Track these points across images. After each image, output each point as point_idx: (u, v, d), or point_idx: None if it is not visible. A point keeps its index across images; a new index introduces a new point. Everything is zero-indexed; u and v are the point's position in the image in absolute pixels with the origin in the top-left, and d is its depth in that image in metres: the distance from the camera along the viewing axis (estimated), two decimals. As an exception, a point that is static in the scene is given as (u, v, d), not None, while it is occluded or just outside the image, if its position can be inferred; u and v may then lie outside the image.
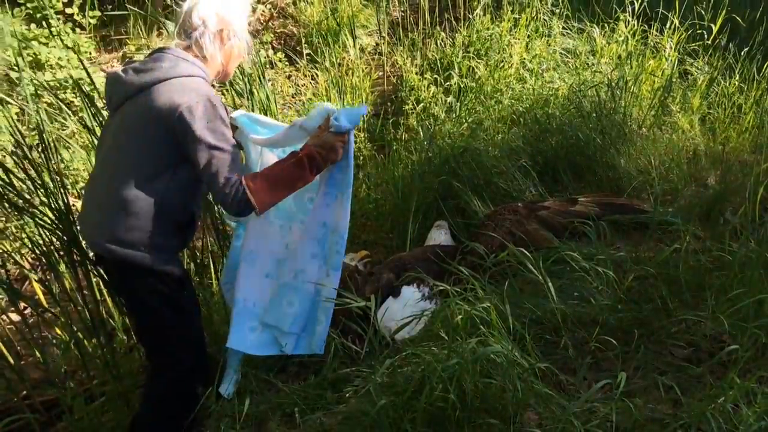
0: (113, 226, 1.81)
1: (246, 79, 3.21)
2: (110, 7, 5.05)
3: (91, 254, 2.25)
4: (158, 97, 1.78)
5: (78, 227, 2.26)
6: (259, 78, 3.36)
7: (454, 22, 4.23)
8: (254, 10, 5.98)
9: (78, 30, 4.91)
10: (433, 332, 1.74)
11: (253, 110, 3.32)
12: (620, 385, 1.46)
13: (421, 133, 3.20)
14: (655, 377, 1.67)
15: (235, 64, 2.00)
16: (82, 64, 2.76)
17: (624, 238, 2.24)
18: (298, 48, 5.21)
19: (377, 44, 5.04)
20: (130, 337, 2.64)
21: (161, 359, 2.00)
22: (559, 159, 2.74)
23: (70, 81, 4.24)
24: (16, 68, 4.37)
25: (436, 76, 3.73)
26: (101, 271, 2.22)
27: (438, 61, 3.88)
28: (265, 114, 3.36)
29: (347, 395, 1.74)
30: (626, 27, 3.39)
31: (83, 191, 2.12)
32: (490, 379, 1.56)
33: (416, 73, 3.85)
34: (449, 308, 1.68)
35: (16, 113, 4.02)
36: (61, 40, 4.54)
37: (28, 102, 2.93)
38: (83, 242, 2.31)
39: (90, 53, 4.94)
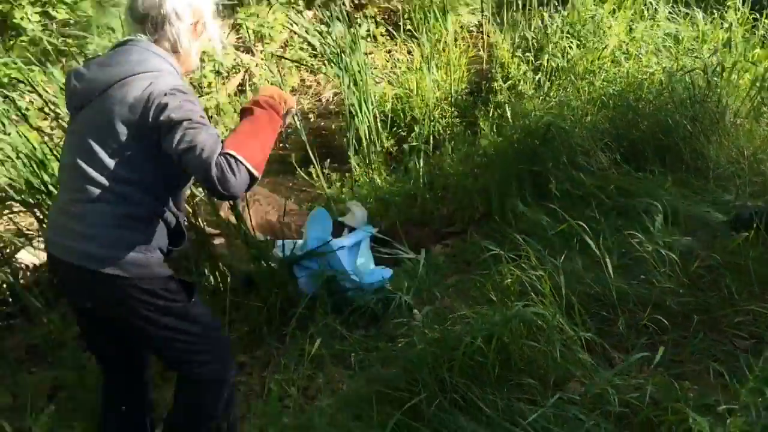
0: None
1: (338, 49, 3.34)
2: (226, -25, 5.33)
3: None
4: (126, 92, 1.58)
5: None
6: (351, 48, 3.47)
7: (557, 3, 4.16)
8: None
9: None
10: (484, 295, 1.79)
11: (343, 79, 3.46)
12: (658, 359, 1.45)
13: (507, 111, 3.21)
14: (708, 363, 1.65)
15: (200, 53, 1.81)
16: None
17: (700, 226, 2.18)
18: (399, 23, 5.29)
19: (479, 23, 5.03)
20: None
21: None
22: (646, 142, 2.68)
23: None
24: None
25: (528, 54, 3.72)
26: None
27: (534, 41, 3.85)
28: (355, 84, 3.48)
29: (399, 345, 1.83)
30: (736, 14, 3.22)
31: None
32: (534, 342, 1.60)
33: (508, 51, 3.83)
34: (500, 272, 1.72)
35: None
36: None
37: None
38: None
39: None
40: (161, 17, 1.65)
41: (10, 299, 2.69)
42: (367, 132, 3.53)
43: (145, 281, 1.59)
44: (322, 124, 4.63)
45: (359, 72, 3.55)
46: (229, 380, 1.74)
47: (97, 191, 1.59)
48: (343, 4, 6.01)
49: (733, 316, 1.75)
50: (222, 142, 1.52)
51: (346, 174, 3.57)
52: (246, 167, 1.48)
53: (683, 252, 1.87)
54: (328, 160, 3.58)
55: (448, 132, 3.73)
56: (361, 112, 3.46)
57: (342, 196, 3.38)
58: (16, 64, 3.93)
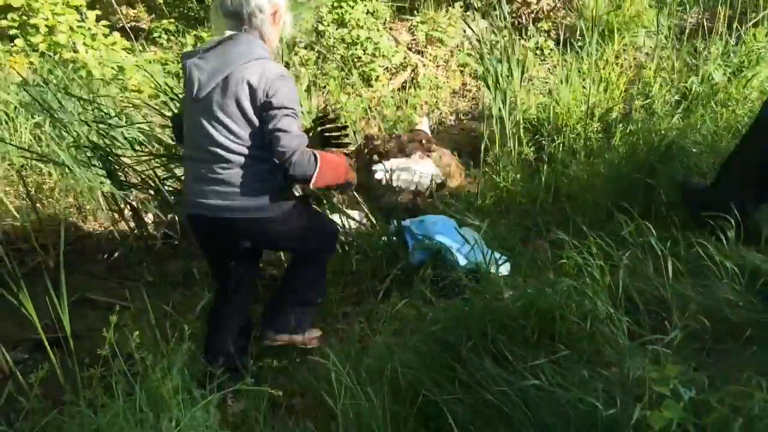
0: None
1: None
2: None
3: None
4: (245, 76, 1.98)
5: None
6: (507, 55, 3.71)
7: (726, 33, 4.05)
8: (538, 1, 6.27)
9: (381, -1, 5.79)
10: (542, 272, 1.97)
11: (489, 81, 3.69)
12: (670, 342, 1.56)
13: (633, 127, 3.27)
14: (751, 376, 1.69)
15: (278, 38, 2.19)
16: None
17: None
18: (572, 40, 5.39)
19: (655, 46, 5.01)
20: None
21: None
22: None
23: (363, 38, 5.11)
24: (322, 24, 5.39)
25: (674, 76, 3.70)
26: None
27: (686, 66, 3.82)
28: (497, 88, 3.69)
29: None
30: None
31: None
32: (576, 318, 1.77)
33: (652, 70, 3.84)
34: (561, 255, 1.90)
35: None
36: (367, 7, 5.45)
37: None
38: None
39: (385, 19, 5.76)
40: (249, 12, 2.04)
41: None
42: (504, 135, 3.74)
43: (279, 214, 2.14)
44: (473, 126, 4.92)
45: (507, 77, 3.77)
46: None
47: (237, 157, 2.04)
48: (520, 16, 6.28)
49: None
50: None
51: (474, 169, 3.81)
52: (315, 171, 2.00)
53: (753, 269, 1.91)
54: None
55: (587, 144, 3.83)
56: (501, 115, 3.66)
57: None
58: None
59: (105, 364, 2.04)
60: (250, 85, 1.97)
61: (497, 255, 2.79)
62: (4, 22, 4.50)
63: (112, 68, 4.33)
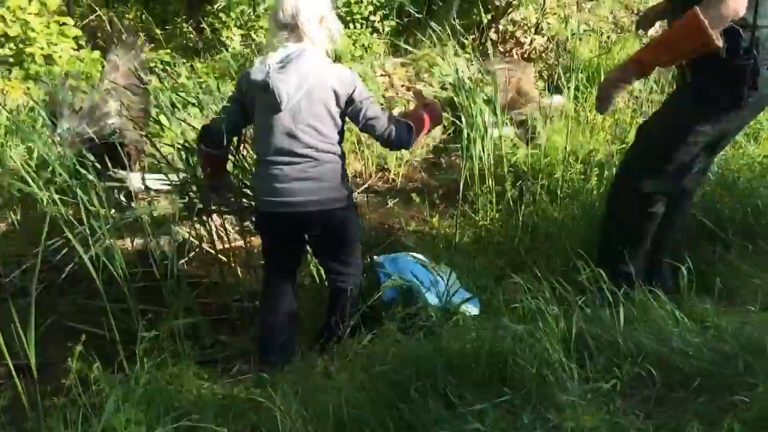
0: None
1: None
2: (407, 19, 5.94)
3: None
4: (323, 82, 2.35)
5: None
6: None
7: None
8: (531, 42, 6.40)
9: (375, 35, 5.89)
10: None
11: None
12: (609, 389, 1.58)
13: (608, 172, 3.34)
14: (696, 426, 1.70)
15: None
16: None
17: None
18: (560, 81, 5.48)
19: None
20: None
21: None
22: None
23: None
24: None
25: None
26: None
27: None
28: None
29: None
30: None
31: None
32: (527, 363, 1.79)
33: (629, 114, 3.92)
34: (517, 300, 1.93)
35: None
36: (361, 42, 5.57)
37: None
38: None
39: (380, 55, 5.88)
40: (300, 22, 2.33)
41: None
42: (484, 174, 3.78)
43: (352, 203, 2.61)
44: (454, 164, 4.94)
45: (480, 113, 3.82)
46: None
47: (326, 155, 2.41)
48: (512, 56, 6.39)
49: (736, 386, 1.78)
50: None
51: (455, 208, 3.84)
52: (414, 138, 2.50)
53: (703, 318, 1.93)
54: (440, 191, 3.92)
55: (567, 186, 3.88)
56: (475, 153, 3.70)
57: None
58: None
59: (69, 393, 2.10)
60: (334, 91, 2.36)
61: (467, 294, 2.82)
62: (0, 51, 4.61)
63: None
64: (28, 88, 4.63)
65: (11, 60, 4.67)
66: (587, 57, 5.67)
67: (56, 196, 2.93)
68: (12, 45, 4.55)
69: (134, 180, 3.44)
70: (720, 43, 2.10)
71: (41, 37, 4.49)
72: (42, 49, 4.51)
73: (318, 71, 2.34)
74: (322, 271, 2.95)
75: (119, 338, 2.57)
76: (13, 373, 2.26)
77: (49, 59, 4.58)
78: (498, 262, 3.20)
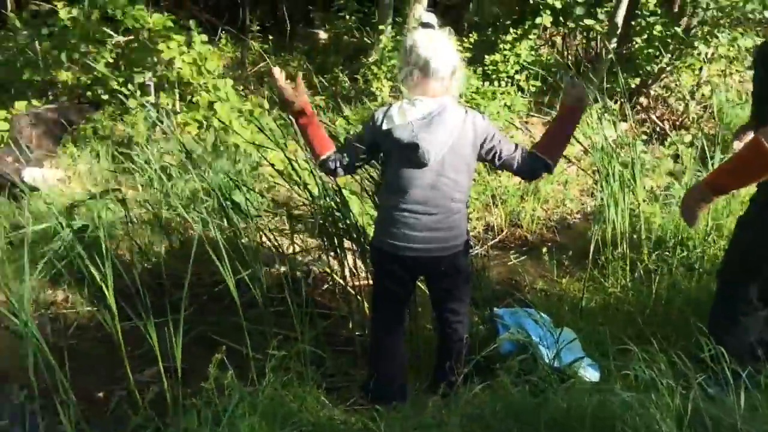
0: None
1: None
2: (552, 80, 6.01)
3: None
4: (464, 134, 2.42)
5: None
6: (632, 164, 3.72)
7: None
8: (684, 109, 6.18)
9: (519, 93, 6.01)
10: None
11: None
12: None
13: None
14: None
15: None
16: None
17: None
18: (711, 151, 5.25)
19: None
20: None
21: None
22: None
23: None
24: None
25: None
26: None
27: None
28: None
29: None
30: None
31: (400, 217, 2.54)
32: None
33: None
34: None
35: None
36: (504, 100, 5.70)
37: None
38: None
39: (524, 113, 5.98)
40: (441, 77, 2.37)
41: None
42: (618, 240, 3.71)
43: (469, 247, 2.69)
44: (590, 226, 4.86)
45: (627, 181, 3.77)
46: None
47: (459, 205, 2.51)
48: (664, 122, 6.21)
49: None
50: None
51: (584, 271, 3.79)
52: (549, 165, 2.50)
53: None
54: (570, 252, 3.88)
55: (707, 260, 3.71)
56: (608, 217, 3.65)
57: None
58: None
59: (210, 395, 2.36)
60: (473, 142, 2.43)
61: (588, 359, 2.78)
62: (173, 98, 5.25)
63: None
64: (198, 127, 5.21)
65: (185, 103, 5.29)
66: (737, 123, 5.38)
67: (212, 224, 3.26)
68: (188, 96, 5.18)
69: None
70: None
71: (212, 84, 5.06)
72: (209, 92, 5.07)
73: (460, 125, 2.40)
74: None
75: (252, 355, 2.81)
76: (162, 373, 2.59)
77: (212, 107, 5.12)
78: (625, 332, 3.10)
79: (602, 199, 3.69)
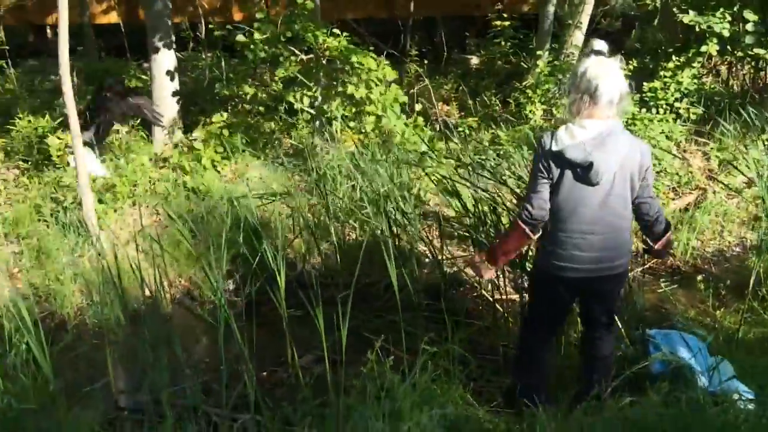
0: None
1: None
2: (713, 109, 5.81)
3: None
4: (633, 155, 2.49)
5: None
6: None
7: None
8: None
9: (678, 120, 5.85)
10: None
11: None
12: None
13: None
14: None
15: None
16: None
17: None
18: None
19: None
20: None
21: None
22: None
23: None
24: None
25: None
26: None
27: None
28: None
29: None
30: None
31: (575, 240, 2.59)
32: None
33: None
34: None
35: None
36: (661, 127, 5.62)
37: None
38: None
39: (681, 141, 5.81)
40: (611, 101, 2.42)
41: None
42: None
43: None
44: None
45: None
46: None
47: (626, 223, 2.59)
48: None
49: None
50: None
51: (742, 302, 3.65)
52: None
53: None
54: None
55: None
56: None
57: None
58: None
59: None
60: (640, 164, 2.51)
61: (743, 386, 2.72)
62: (342, 110, 5.69)
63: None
64: (360, 139, 5.60)
65: (349, 117, 5.72)
66: None
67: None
68: (353, 108, 5.60)
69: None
70: None
71: (379, 100, 5.45)
72: (376, 109, 5.46)
73: (629, 146, 2.47)
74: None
75: (405, 348, 3.04)
76: (326, 357, 2.88)
77: (380, 119, 5.51)
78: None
79: (766, 231, 3.55)
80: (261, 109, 6.18)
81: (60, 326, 4.08)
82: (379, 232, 4.24)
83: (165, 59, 5.70)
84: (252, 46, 5.38)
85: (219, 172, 5.38)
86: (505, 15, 7.88)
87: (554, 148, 2.46)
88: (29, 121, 5.49)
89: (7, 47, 7.16)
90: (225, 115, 5.85)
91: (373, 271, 4.16)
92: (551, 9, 7.02)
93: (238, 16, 7.92)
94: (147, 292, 4.25)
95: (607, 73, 2.42)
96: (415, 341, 3.13)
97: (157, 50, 5.63)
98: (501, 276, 3.82)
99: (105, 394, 3.26)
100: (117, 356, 3.47)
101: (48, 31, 8.46)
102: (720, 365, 2.83)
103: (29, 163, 5.36)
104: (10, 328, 3.21)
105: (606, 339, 2.81)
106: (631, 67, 6.58)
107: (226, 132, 5.65)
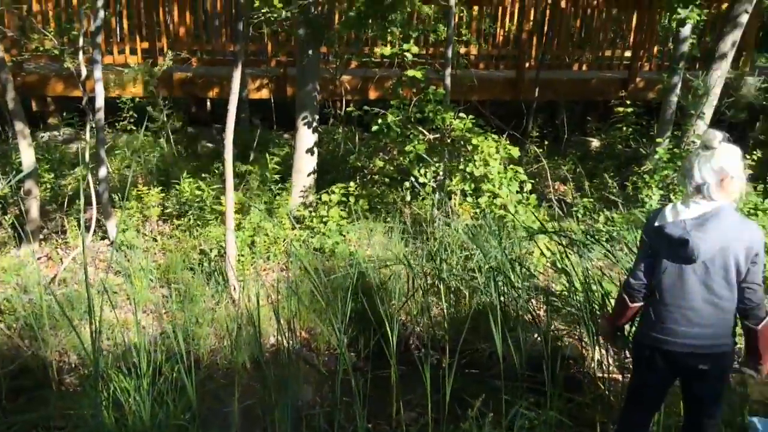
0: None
1: None
2: None
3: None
4: (739, 243, 2.54)
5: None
6: None
7: None
8: None
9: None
10: None
11: None
12: None
13: None
14: None
15: None
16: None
17: None
18: None
19: None
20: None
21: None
22: None
23: None
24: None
25: None
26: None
27: None
28: None
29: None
30: None
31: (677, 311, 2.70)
32: None
33: None
34: None
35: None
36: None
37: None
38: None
39: None
40: (709, 182, 2.55)
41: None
42: None
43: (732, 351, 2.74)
44: None
45: None
46: None
47: (726, 304, 2.62)
48: None
49: None
50: None
51: None
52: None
53: None
54: None
55: None
56: None
57: None
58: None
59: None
60: (746, 248, 2.53)
61: None
62: (462, 185, 6.08)
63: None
64: (475, 212, 5.94)
65: (469, 192, 6.09)
66: None
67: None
68: (472, 183, 5.98)
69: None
70: None
71: (496, 179, 5.80)
72: (493, 187, 5.81)
73: (737, 228, 2.53)
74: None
75: (504, 408, 3.26)
76: (429, 417, 3.18)
77: (495, 196, 5.85)
78: None
79: None
80: (387, 180, 6.72)
81: (194, 364, 4.63)
82: (487, 300, 4.51)
83: (307, 136, 6.39)
84: (385, 130, 5.94)
85: (344, 235, 5.89)
86: (628, 102, 8.06)
87: (656, 223, 2.66)
88: (189, 182, 6.32)
89: (178, 117, 8.33)
90: (353, 184, 6.43)
91: (478, 338, 4.41)
92: (674, 99, 7.12)
93: (373, 95, 8.67)
94: (272, 340, 4.77)
95: (705, 159, 2.56)
96: (517, 409, 3.34)
97: (302, 126, 6.35)
98: (606, 354, 3.93)
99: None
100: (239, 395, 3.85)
101: (208, 103, 9.65)
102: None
103: (184, 219, 6.14)
104: (161, 359, 3.70)
105: (709, 425, 2.82)
106: (755, 157, 6.51)
107: (353, 199, 6.22)
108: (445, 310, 4.71)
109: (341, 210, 6.06)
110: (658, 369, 2.79)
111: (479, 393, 3.76)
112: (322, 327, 4.70)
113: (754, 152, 6.65)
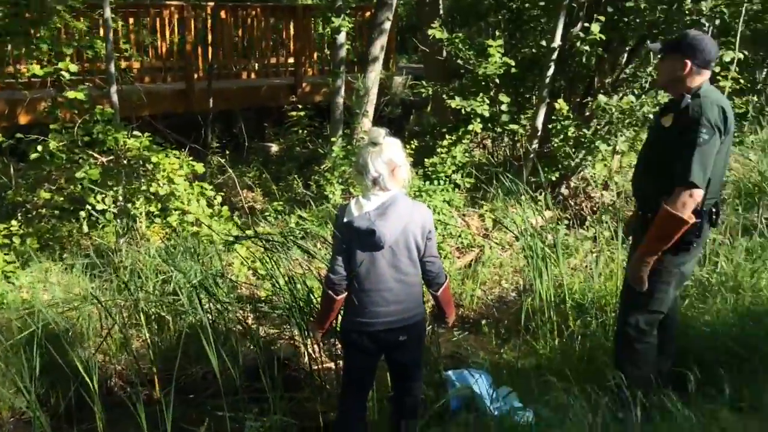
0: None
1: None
2: (484, 177, 6.80)
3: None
4: (415, 222, 2.88)
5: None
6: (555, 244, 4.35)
7: None
8: (600, 196, 6.99)
9: (456, 190, 6.75)
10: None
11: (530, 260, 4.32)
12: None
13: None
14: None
15: None
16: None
17: None
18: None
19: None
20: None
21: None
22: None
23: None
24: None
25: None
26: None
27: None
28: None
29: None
30: None
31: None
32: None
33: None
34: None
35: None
36: (443, 197, 6.42)
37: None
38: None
39: (460, 207, 6.68)
40: (385, 176, 2.82)
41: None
42: (545, 308, 4.29)
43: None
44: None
45: (551, 258, 4.41)
46: None
47: (415, 278, 2.95)
48: (582, 209, 6.99)
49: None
50: None
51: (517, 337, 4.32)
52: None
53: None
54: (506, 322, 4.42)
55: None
56: (535, 288, 4.25)
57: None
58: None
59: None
60: (422, 226, 2.89)
61: (519, 405, 3.27)
62: (147, 207, 5.77)
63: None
64: (166, 233, 5.67)
65: (156, 213, 5.79)
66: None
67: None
68: (158, 204, 5.71)
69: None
70: (693, 218, 2.84)
71: (184, 196, 5.62)
72: (182, 204, 5.62)
73: (410, 211, 2.85)
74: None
75: (229, 426, 3.19)
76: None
77: (185, 213, 5.66)
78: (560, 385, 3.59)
79: (530, 273, 4.28)
80: (57, 212, 6.00)
81: None
82: (194, 320, 4.34)
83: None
84: (48, 157, 5.29)
85: (14, 283, 5.10)
86: (299, 106, 8.50)
87: (345, 219, 2.85)
88: None
89: None
90: (15, 222, 5.61)
91: (190, 362, 4.24)
92: (340, 100, 7.74)
93: (25, 119, 7.62)
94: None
95: (376, 154, 2.81)
96: (242, 423, 3.28)
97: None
98: (318, 347, 4.11)
99: None
100: None
101: None
102: (503, 392, 3.40)
103: None
104: None
105: (415, 386, 3.16)
106: (413, 146, 7.46)
107: (17, 239, 5.42)
108: (149, 340, 4.41)
109: (5, 254, 5.22)
110: (366, 350, 3.01)
111: (202, 418, 3.65)
112: (2, 391, 4.00)
113: (411, 142, 7.62)
